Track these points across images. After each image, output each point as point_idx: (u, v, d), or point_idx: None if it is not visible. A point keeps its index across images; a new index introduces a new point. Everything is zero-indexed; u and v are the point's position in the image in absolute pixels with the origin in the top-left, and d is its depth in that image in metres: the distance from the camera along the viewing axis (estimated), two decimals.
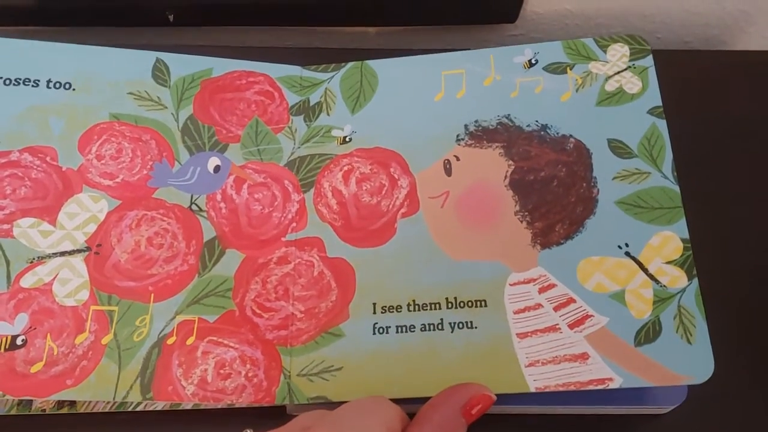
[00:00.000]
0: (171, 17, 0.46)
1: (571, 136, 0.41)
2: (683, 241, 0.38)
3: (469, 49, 0.45)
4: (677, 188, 0.39)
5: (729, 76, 0.51)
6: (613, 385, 0.35)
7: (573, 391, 0.35)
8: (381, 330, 0.37)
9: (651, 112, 0.41)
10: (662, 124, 0.41)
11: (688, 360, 0.35)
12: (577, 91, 0.42)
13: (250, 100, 0.44)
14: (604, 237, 0.38)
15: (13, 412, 0.36)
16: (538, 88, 0.43)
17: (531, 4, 0.54)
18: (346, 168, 0.42)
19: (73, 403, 0.37)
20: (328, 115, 0.44)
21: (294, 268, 0.39)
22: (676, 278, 0.37)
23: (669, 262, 0.37)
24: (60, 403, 0.37)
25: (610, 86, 0.42)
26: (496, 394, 0.31)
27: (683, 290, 0.37)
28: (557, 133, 0.41)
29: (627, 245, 0.38)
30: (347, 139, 0.43)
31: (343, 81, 0.45)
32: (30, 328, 0.36)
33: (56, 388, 0.35)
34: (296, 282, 0.39)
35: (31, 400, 0.37)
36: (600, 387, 0.35)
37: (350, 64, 0.45)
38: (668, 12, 0.55)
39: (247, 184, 0.41)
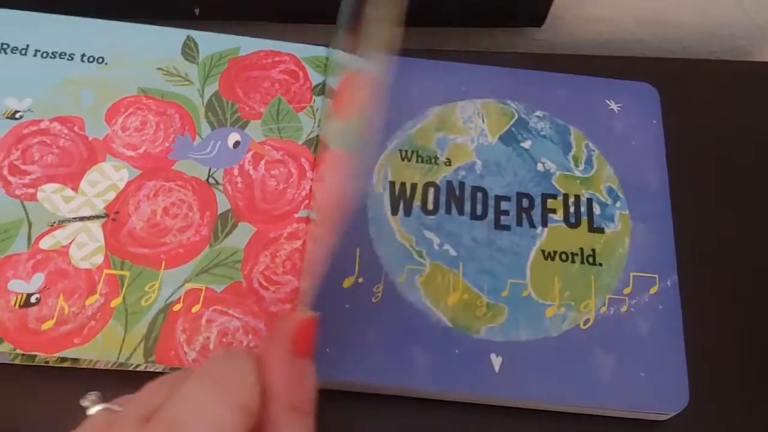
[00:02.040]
0: (197, 11, 0.47)
1: None
2: None
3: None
4: None
5: (755, 87, 0.49)
6: None
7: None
8: None
9: None
10: None
11: None
12: None
13: (275, 79, 0.44)
14: None
15: (17, 361, 0.37)
16: None
17: (558, 8, 0.52)
18: None
19: (75, 359, 0.37)
20: None
21: (303, 244, 0.39)
22: None
23: None
24: (63, 357, 0.37)
25: None
26: None
27: None
28: None
29: None
30: None
31: None
32: (45, 287, 0.37)
33: (64, 346, 0.36)
34: (304, 257, 0.39)
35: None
36: None
37: None
38: (695, 21, 0.52)
39: (264, 161, 0.42)
